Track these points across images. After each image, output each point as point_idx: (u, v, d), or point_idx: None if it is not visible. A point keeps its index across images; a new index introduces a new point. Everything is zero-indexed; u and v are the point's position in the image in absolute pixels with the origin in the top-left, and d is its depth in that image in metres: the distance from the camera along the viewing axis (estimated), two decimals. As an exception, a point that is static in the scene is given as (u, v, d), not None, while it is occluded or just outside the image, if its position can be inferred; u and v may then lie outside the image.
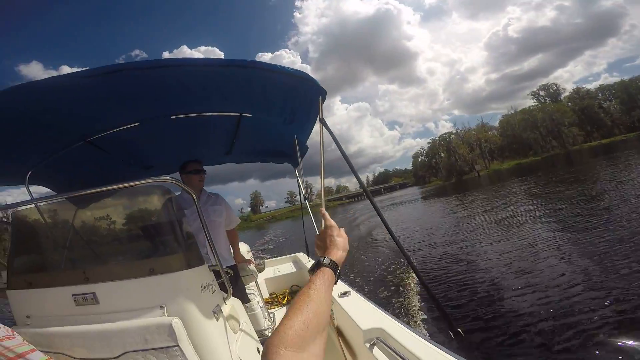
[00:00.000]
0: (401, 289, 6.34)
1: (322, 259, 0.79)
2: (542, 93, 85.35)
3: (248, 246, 4.10)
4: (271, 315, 3.15)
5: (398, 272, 7.52)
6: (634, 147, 32.52)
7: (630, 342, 3.19)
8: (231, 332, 1.51)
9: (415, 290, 6.05)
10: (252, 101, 2.31)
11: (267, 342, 0.53)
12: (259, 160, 3.61)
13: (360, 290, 2.24)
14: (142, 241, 1.53)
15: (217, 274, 1.61)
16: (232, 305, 1.66)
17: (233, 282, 2.13)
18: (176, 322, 1.15)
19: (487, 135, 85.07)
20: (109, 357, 1.17)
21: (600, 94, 78.89)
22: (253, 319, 2.58)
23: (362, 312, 1.80)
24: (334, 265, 0.78)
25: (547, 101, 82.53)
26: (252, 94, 2.19)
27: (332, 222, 0.95)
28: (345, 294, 2.17)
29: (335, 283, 0.77)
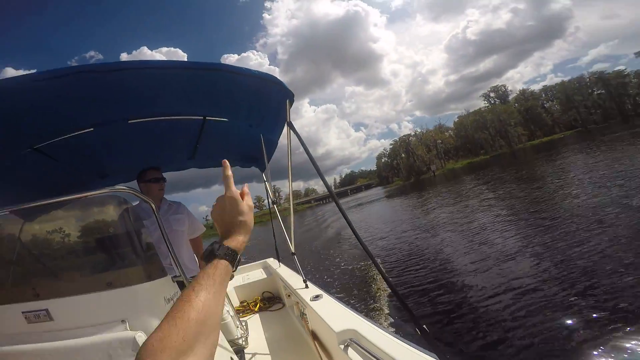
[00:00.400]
0: (371, 290, 6.46)
1: (217, 247, 0.64)
2: (492, 95, 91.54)
3: None
4: (243, 323, 3.05)
5: (368, 272, 7.67)
6: (570, 144, 36.42)
7: (588, 330, 3.43)
8: None
9: (384, 290, 6.18)
10: (217, 104, 2.25)
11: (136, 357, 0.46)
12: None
13: (332, 292, 2.25)
14: (97, 254, 1.41)
15: (182, 285, 1.53)
16: None
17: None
18: (140, 337, 1.09)
19: (443, 136, 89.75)
20: None
21: (543, 95, 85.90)
22: (224, 328, 2.48)
23: (335, 315, 1.79)
24: (231, 255, 0.64)
25: (497, 102, 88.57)
26: (218, 97, 2.13)
27: (234, 191, 0.73)
28: (317, 297, 2.16)
29: (234, 271, 0.64)
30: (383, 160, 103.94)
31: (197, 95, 2.07)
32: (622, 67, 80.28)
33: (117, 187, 1.31)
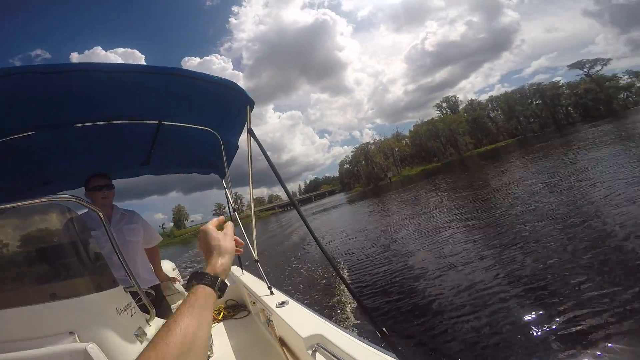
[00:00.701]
0: (335, 294, 6.49)
1: (196, 273, 0.69)
2: (444, 105, 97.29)
3: (173, 263, 3.76)
4: None
5: (332, 277, 7.73)
6: (511, 152, 39.81)
7: (538, 332, 3.60)
8: None
9: (348, 294, 6.19)
10: (173, 109, 2.18)
11: None
12: (181, 171, 3.34)
13: (298, 298, 2.26)
14: (39, 265, 1.30)
15: (136, 295, 1.47)
16: (158, 326, 1.53)
17: (157, 302, 1.94)
18: (92, 348, 1.05)
19: (400, 144, 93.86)
20: None
21: (489, 105, 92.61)
22: None
23: (301, 321, 1.79)
24: (210, 279, 0.67)
25: (448, 112, 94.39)
26: (174, 102, 2.07)
27: (206, 225, 0.83)
28: (283, 303, 2.14)
29: (220, 297, 0.68)
30: (345, 167, 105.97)
31: (151, 100, 2.00)
32: (558, 79, 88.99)
33: (60, 195, 1.24)
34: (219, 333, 3.13)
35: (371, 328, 4.41)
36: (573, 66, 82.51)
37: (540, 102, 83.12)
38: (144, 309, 1.50)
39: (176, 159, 3.15)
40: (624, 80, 74.90)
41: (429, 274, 6.11)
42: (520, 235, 6.71)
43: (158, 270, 2.54)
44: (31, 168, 2.49)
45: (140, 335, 1.31)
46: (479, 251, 6.55)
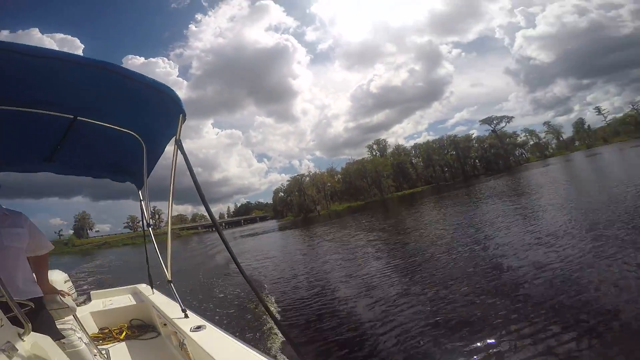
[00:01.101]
0: (258, 319, 6.26)
1: None
2: (375, 147, 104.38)
3: (66, 275, 3.22)
4: (104, 351, 2.53)
5: (254, 302, 7.39)
6: (425, 197, 44.57)
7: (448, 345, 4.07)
8: None
9: (269, 321, 5.98)
10: (94, 105, 1.99)
11: None
12: (90, 174, 2.94)
13: (216, 322, 2.11)
14: None
15: (6, 307, 1.22)
16: (35, 342, 1.28)
17: (35, 316, 1.62)
18: None
19: (332, 180, 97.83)
20: None
21: (413, 152, 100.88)
22: (76, 356, 2.01)
23: (220, 347, 1.67)
24: None
25: (377, 154, 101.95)
26: (97, 97, 1.90)
27: None
28: (199, 327, 1.95)
29: None
30: (280, 194, 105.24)
31: (70, 91, 1.81)
32: (473, 132, 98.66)
33: None
34: (121, 353, 2.75)
35: (294, 355, 4.41)
36: (484, 121, 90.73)
37: (453, 153, 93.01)
38: (15, 322, 1.25)
39: (87, 160, 2.79)
40: (521, 137, 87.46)
41: (352, 302, 6.36)
42: (425, 267, 7.75)
43: (43, 281, 2.13)
44: None
45: (8, 350, 1.10)
46: (391, 280, 7.20)
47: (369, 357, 4.24)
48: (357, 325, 5.14)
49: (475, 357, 3.69)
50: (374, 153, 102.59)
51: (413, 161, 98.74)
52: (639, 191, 10.93)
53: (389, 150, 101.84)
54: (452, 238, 10.46)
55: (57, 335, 1.96)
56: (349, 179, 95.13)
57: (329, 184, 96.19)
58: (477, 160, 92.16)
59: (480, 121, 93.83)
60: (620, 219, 7.92)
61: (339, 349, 4.56)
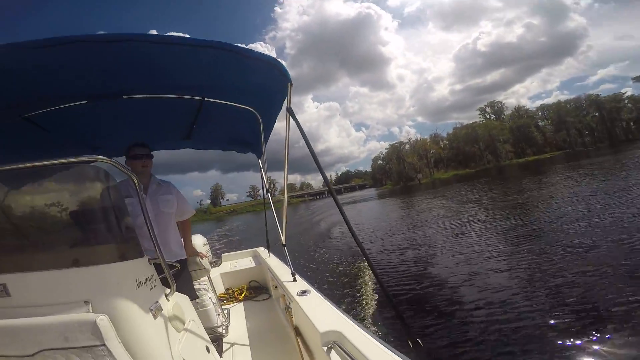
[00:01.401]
0: (360, 290, 6.09)
1: None
2: (488, 109, 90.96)
3: (205, 239, 3.78)
4: (225, 311, 2.91)
5: (356, 271, 7.43)
6: (554, 164, 36.56)
7: (579, 342, 3.32)
8: (173, 331, 1.31)
9: (373, 292, 5.81)
10: (217, 85, 2.12)
11: None
12: (220, 147, 3.32)
13: (320, 288, 2.14)
14: (67, 228, 1.24)
15: (159, 268, 1.38)
16: (176, 302, 1.45)
17: (180, 276, 1.88)
18: (102, 320, 0.96)
19: (437, 146, 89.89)
20: (22, 355, 0.97)
21: (539, 113, 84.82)
22: (204, 315, 2.34)
23: (320, 313, 1.68)
24: None
25: (492, 117, 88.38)
26: (218, 78, 2.01)
27: None
28: (304, 292, 2.03)
29: None
30: (379, 162, 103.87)
31: (196, 74, 1.95)
32: (626, 90, 78.54)
33: (97, 156, 1.12)
34: (238, 313, 3.10)
35: (398, 335, 3.98)
36: (638, 79, 72.22)
37: (596, 114, 75.03)
38: (166, 282, 1.42)
39: (217, 135, 3.13)
40: None
41: (467, 284, 5.48)
42: (558, 253, 6.09)
43: (187, 244, 2.51)
44: (82, 136, 2.56)
45: (156, 310, 1.22)
46: (517, 263, 6.02)
47: (481, 344, 3.67)
48: (476, 315, 4.33)
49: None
50: (488, 116, 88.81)
51: (540, 124, 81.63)
52: None
53: (507, 112, 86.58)
54: (599, 217, 8.00)
55: (193, 295, 2.27)
56: (456, 144, 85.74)
57: (433, 151, 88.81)
58: (631, 123, 72.97)
59: (633, 79, 74.38)
60: None
61: (449, 331, 4.05)
